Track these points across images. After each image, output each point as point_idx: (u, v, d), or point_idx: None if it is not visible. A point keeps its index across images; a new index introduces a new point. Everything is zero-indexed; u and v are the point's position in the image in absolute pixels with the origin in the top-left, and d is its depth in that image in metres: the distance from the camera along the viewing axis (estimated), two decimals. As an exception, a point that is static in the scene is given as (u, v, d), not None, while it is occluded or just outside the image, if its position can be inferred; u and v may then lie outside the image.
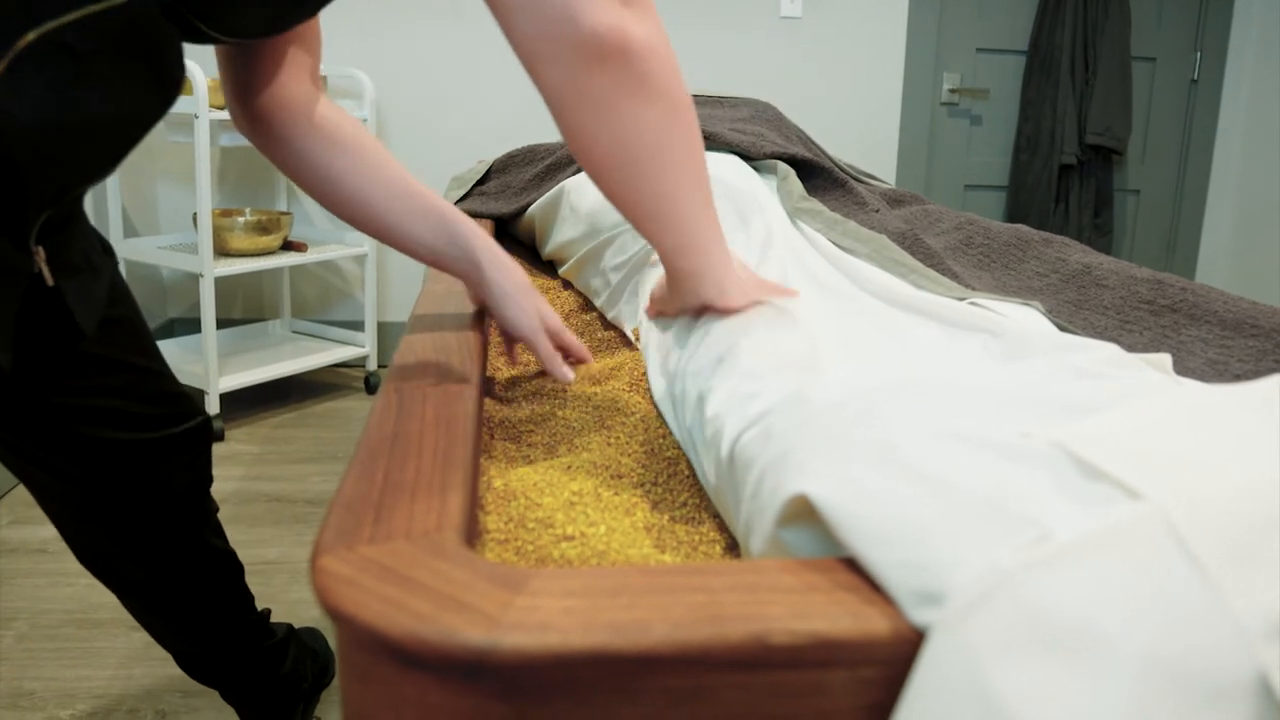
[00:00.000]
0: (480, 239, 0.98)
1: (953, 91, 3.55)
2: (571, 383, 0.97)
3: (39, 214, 0.82)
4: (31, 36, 0.70)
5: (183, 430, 1.13)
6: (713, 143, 1.64)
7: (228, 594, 1.25)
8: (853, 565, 0.48)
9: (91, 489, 1.09)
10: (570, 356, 0.99)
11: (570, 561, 0.59)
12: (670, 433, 0.83)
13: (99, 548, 1.15)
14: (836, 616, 0.43)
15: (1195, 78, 3.69)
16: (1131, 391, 0.67)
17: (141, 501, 1.12)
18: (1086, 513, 0.43)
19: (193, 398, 1.15)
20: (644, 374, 0.99)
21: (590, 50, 0.77)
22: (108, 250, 1.04)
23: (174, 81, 0.82)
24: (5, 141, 0.73)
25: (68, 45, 0.72)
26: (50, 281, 0.89)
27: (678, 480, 0.76)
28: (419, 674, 0.41)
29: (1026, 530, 0.42)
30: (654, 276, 1.09)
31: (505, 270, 0.96)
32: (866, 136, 3.50)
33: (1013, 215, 3.60)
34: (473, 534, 0.61)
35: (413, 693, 0.42)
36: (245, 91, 0.96)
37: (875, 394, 0.61)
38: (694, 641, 0.41)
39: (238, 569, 1.26)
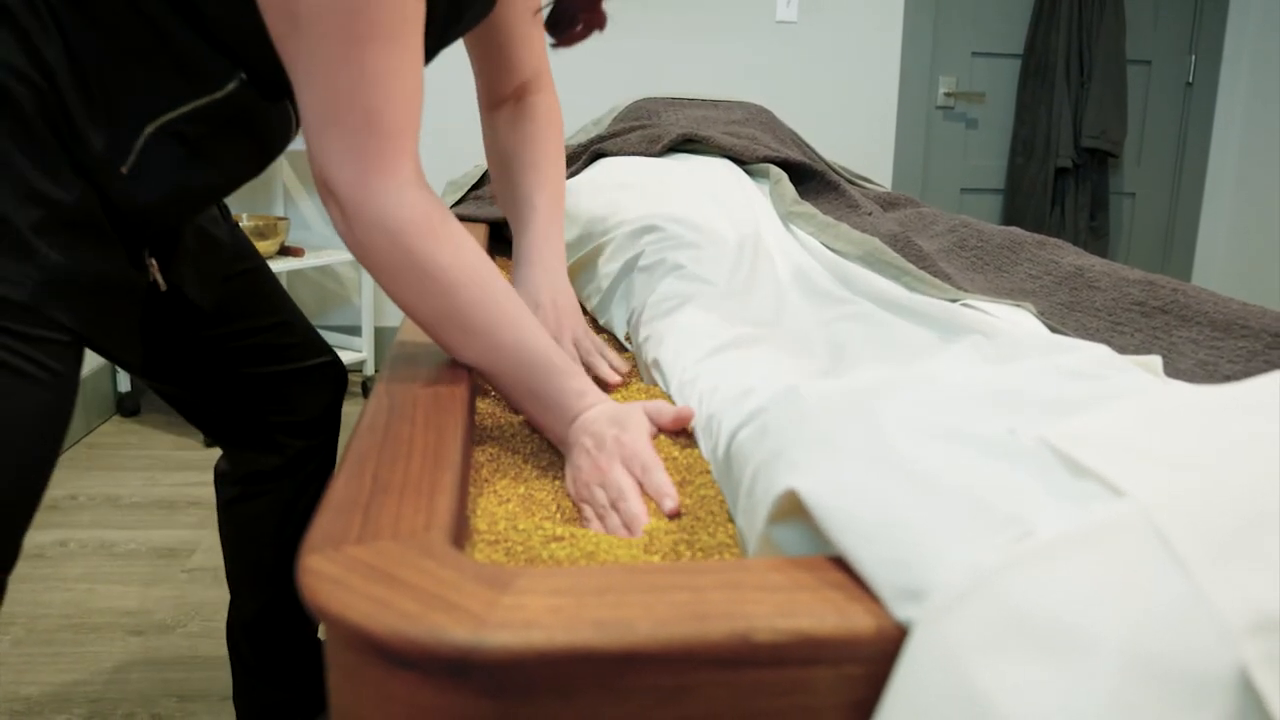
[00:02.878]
0: (544, 243, 1.04)
1: (948, 95, 3.56)
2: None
3: (151, 239, 0.93)
4: (150, 130, 0.82)
5: (315, 365, 1.21)
6: (705, 147, 1.64)
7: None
8: (840, 563, 0.48)
9: (244, 417, 1.19)
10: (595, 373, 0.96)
11: (559, 562, 0.59)
12: (674, 436, 0.83)
13: (244, 474, 1.24)
14: (820, 614, 0.43)
15: (1190, 80, 3.69)
16: (1120, 392, 0.67)
17: (286, 429, 1.21)
18: (1070, 510, 0.43)
19: (323, 340, 1.25)
20: (637, 376, 0.99)
21: (329, 203, 0.77)
22: (225, 212, 1.15)
23: (274, 149, 0.94)
24: (131, 213, 0.86)
25: (180, 134, 0.84)
26: (164, 287, 0.99)
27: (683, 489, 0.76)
28: (406, 673, 0.42)
29: (1009, 528, 0.43)
30: (643, 282, 1.09)
31: (539, 279, 1.01)
32: (863, 141, 3.50)
33: (1009, 218, 3.61)
34: (462, 535, 0.61)
35: (400, 691, 0.42)
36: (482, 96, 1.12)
37: (866, 392, 0.62)
38: (678, 639, 0.41)
39: None
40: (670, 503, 0.68)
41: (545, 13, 0.97)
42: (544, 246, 1.05)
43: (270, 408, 1.18)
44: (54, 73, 0.78)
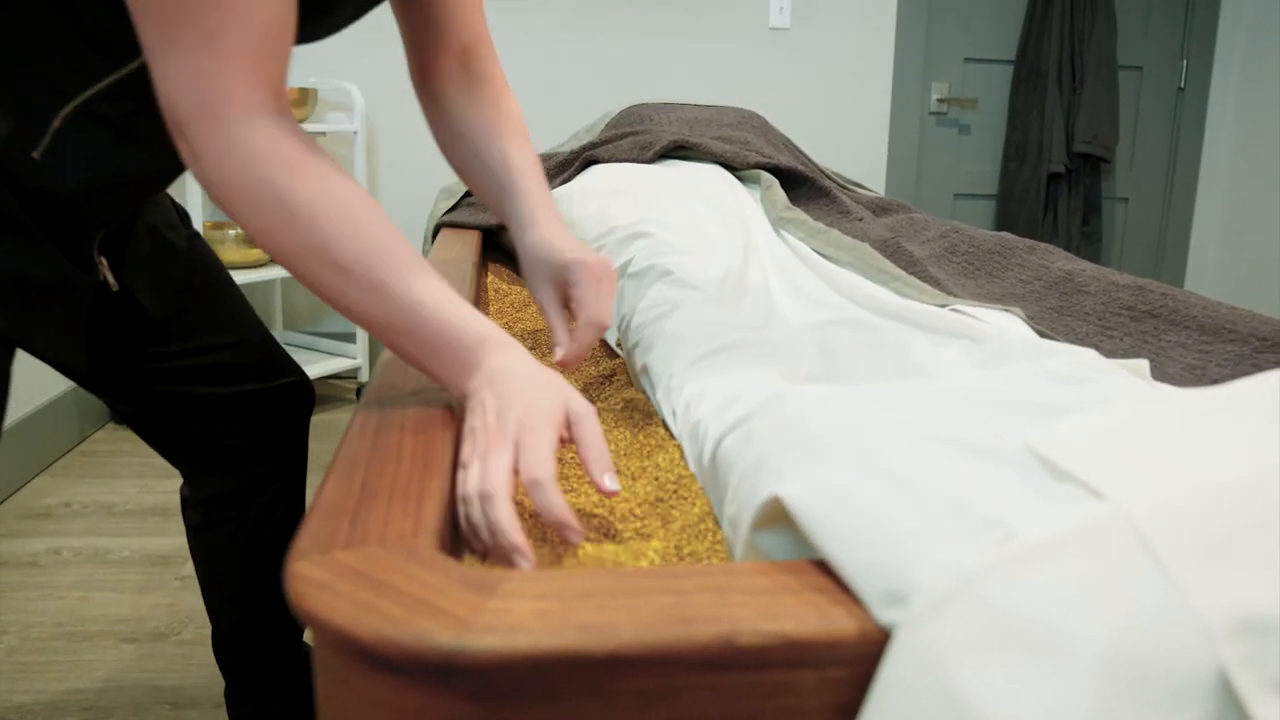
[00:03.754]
0: (545, 205, 0.95)
1: (941, 101, 3.57)
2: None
3: (95, 236, 0.89)
4: (67, 110, 0.77)
5: (279, 386, 1.17)
6: (696, 153, 1.65)
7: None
8: (824, 568, 0.49)
9: (199, 438, 1.14)
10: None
11: (547, 566, 0.59)
12: (668, 440, 0.83)
13: (206, 498, 1.20)
14: (804, 617, 0.43)
15: (1182, 86, 3.71)
16: (1107, 396, 0.67)
17: (246, 452, 1.16)
18: (1051, 513, 0.44)
19: (289, 358, 1.20)
20: (630, 384, 0.99)
21: (178, 138, 0.68)
22: (184, 219, 1.10)
23: None
24: (54, 203, 0.80)
25: (101, 115, 0.78)
26: (115, 287, 0.94)
27: (674, 487, 0.76)
28: (391, 676, 0.42)
29: (991, 531, 0.43)
30: (632, 289, 1.09)
31: (563, 240, 0.91)
32: (856, 146, 3.51)
33: (1002, 224, 3.62)
34: (450, 541, 0.61)
35: (385, 695, 0.42)
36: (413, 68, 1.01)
37: (851, 397, 0.62)
38: (662, 642, 0.42)
39: None
40: (524, 563, 0.56)
41: None
42: (548, 208, 0.96)
43: (228, 430, 1.14)
44: None
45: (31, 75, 0.75)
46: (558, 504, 0.59)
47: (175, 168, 0.89)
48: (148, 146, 0.83)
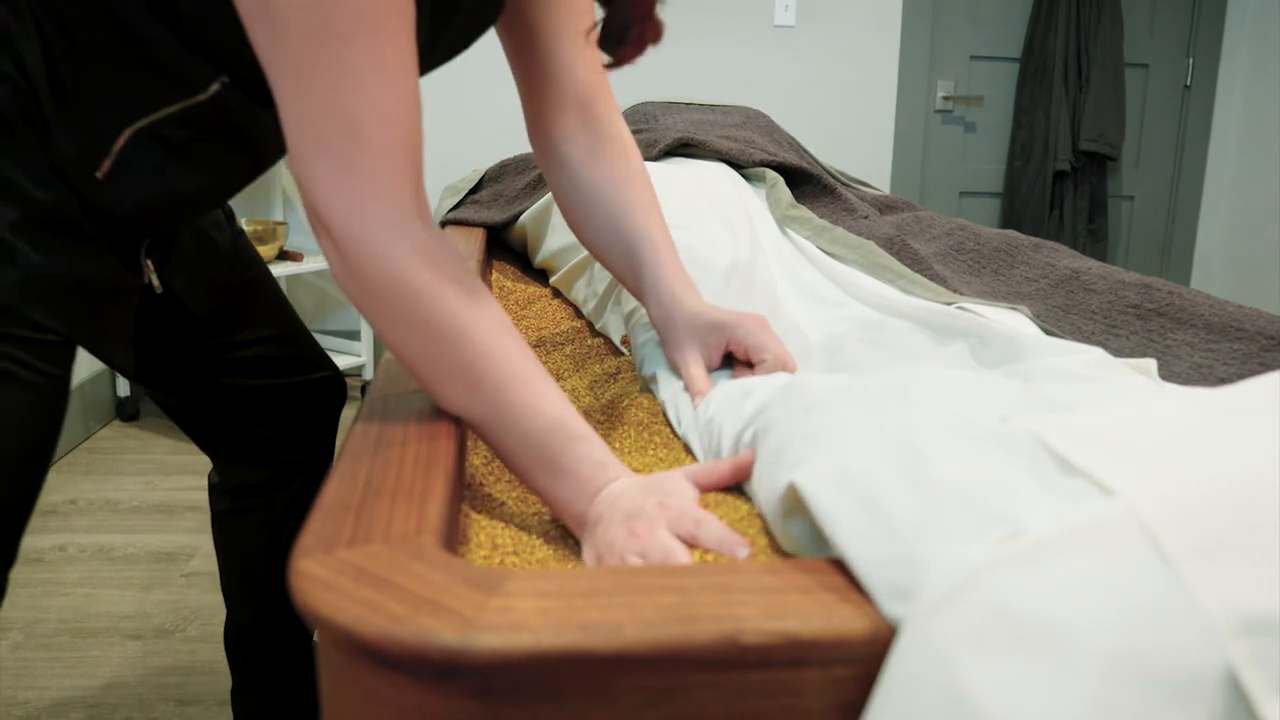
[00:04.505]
0: (680, 277, 0.92)
1: (947, 99, 3.56)
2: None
3: (144, 241, 0.91)
4: (129, 133, 0.78)
5: (316, 379, 1.19)
6: (701, 150, 1.64)
7: None
8: (834, 565, 0.48)
9: (239, 430, 1.16)
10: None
11: (550, 564, 0.59)
12: (673, 440, 0.83)
13: (236, 486, 1.22)
14: (809, 616, 0.43)
15: (1188, 84, 3.70)
16: (1114, 394, 0.67)
17: (280, 443, 1.19)
18: (1059, 508, 0.43)
19: (323, 352, 1.22)
20: (635, 381, 0.99)
21: (319, 234, 0.67)
22: (230, 217, 1.11)
23: (268, 155, 0.89)
24: (112, 221, 0.83)
25: (162, 137, 0.80)
26: (159, 289, 0.96)
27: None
28: (394, 675, 0.42)
29: (999, 526, 0.43)
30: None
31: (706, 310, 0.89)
32: (861, 144, 3.51)
33: (1008, 222, 3.61)
34: (455, 539, 0.61)
35: (388, 693, 0.42)
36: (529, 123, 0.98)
37: (864, 390, 0.62)
38: (665, 641, 0.41)
39: None
40: (743, 550, 0.57)
41: (591, 34, 0.85)
42: (688, 281, 0.93)
43: (264, 421, 1.17)
44: (31, 73, 0.76)
45: (102, 96, 0.77)
46: (726, 534, 0.58)
47: (230, 188, 0.90)
48: (206, 168, 0.84)
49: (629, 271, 0.95)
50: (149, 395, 1.15)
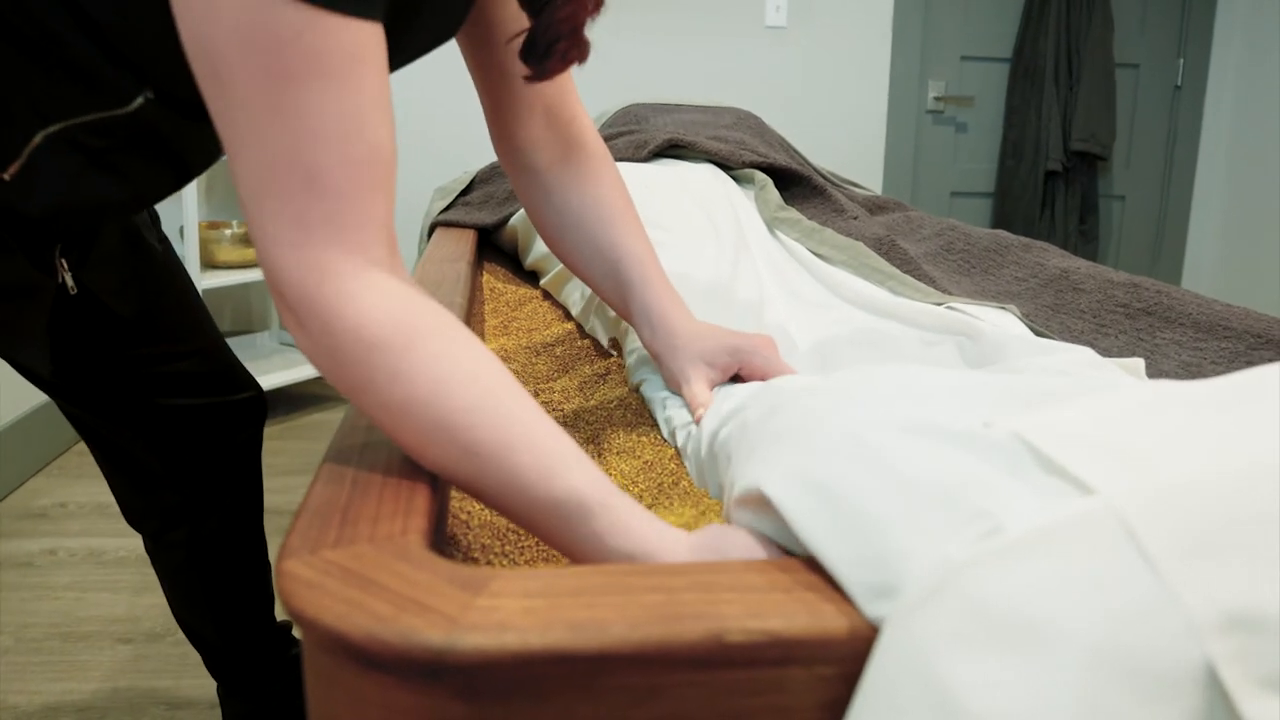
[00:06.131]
0: (672, 298, 0.88)
1: (938, 99, 3.57)
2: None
3: (58, 242, 0.87)
4: (39, 139, 0.72)
5: (239, 400, 1.14)
6: (691, 152, 1.65)
7: (261, 583, 1.26)
8: (813, 564, 0.48)
9: (155, 453, 1.10)
10: None
11: (537, 564, 0.59)
12: (662, 442, 0.83)
13: (155, 513, 1.16)
14: (793, 614, 0.43)
15: (1179, 84, 3.71)
16: (1099, 391, 0.67)
17: (199, 468, 1.14)
18: (1040, 505, 0.44)
19: (246, 371, 1.17)
20: (624, 383, 0.99)
21: (277, 302, 0.60)
22: (154, 219, 1.06)
23: (197, 166, 0.83)
24: (20, 223, 0.77)
25: (78, 143, 0.74)
26: (74, 290, 0.91)
27: (672, 489, 0.76)
28: (380, 675, 0.42)
29: (978, 523, 0.43)
30: None
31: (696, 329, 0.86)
32: (852, 145, 3.51)
33: (999, 222, 3.62)
34: (443, 540, 0.61)
35: (374, 693, 0.42)
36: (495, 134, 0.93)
37: (841, 389, 0.62)
38: (651, 640, 0.41)
39: (269, 563, 1.28)
40: None
41: (519, 42, 0.78)
42: (676, 297, 0.90)
43: (185, 442, 1.11)
44: None
45: (16, 97, 0.71)
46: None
47: (154, 197, 0.85)
48: (127, 179, 0.79)
49: (614, 291, 0.92)
50: (63, 411, 1.07)
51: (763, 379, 0.83)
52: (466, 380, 0.57)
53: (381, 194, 0.59)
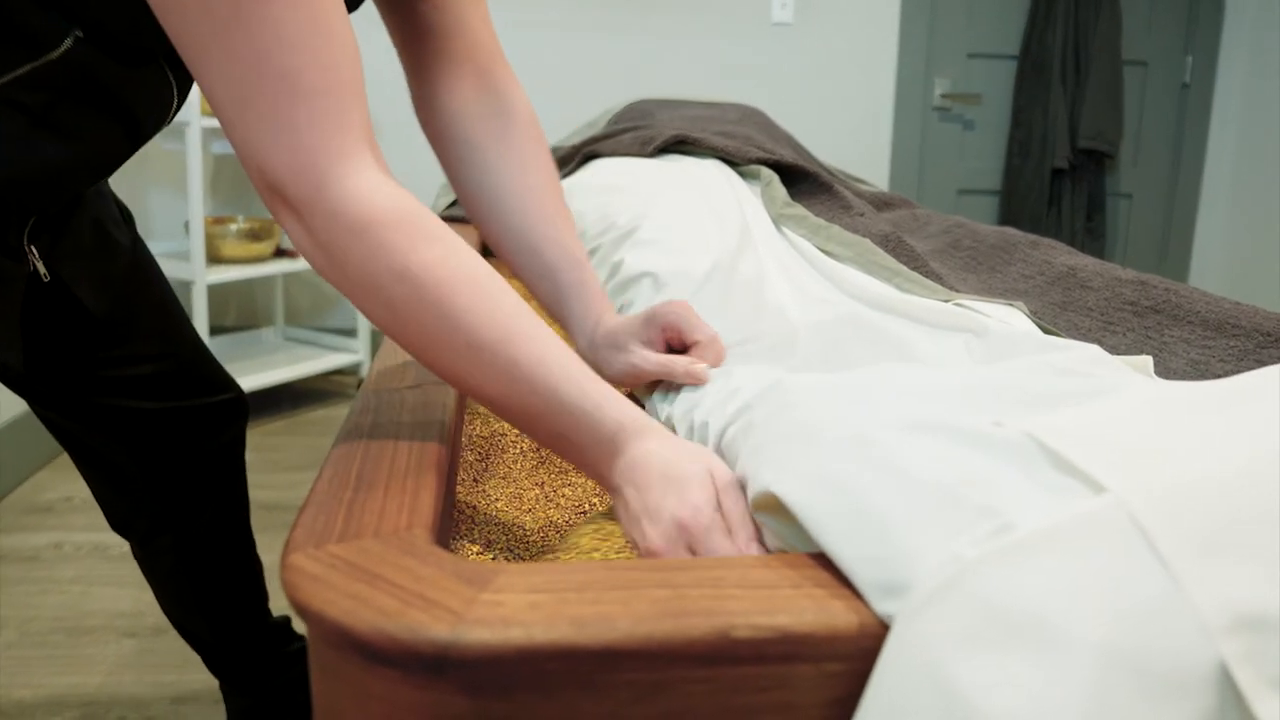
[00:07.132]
0: (598, 295, 0.86)
1: (944, 97, 3.56)
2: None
3: (25, 224, 0.84)
4: None
5: (217, 402, 1.12)
6: (697, 148, 1.64)
7: (252, 583, 1.26)
8: (821, 560, 0.48)
9: (133, 458, 1.08)
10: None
11: (546, 558, 0.59)
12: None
13: (139, 519, 1.14)
14: (800, 611, 0.43)
15: (1187, 81, 3.70)
16: (1109, 389, 0.67)
17: (179, 472, 1.12)
18: (1050, 504, 0.43)
19: (226, 373, 1.15)
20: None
21: (275, 206, 0.61)
22: (127, 218, 1.03)
23: (148, 122, 0.81)
24: None
25: (18, 102, 0.72)
26: (46, 277, 0.89)
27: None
28: (385, 669, 0.42)
29: (988, 521, 0.43)
30: (618, 293, 1.09)
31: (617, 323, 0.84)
32: (859, 142, 3.51)
33: (1006, 219, 3.61)
34: (448, 534, 0.61)
35: (379, 687, 0.42)
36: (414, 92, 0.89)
37: (850, 386, 0.61)
38: (657, 636, 0.41)
39: (259, 562, 1.27)
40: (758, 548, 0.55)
41: None
42: (603, 295, 0.88)
43: (161, 447, 1.09)
44: None
45: None
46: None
47: (109, 158, 0.83)
48: (75, 137, 0.77)
49: (548, 290, 0.88)
50: (39, 416, 1.05)
51: (685, 339, 0.81)
52: (467, 280, 0.61)
53: (359, 98, 0.60)
